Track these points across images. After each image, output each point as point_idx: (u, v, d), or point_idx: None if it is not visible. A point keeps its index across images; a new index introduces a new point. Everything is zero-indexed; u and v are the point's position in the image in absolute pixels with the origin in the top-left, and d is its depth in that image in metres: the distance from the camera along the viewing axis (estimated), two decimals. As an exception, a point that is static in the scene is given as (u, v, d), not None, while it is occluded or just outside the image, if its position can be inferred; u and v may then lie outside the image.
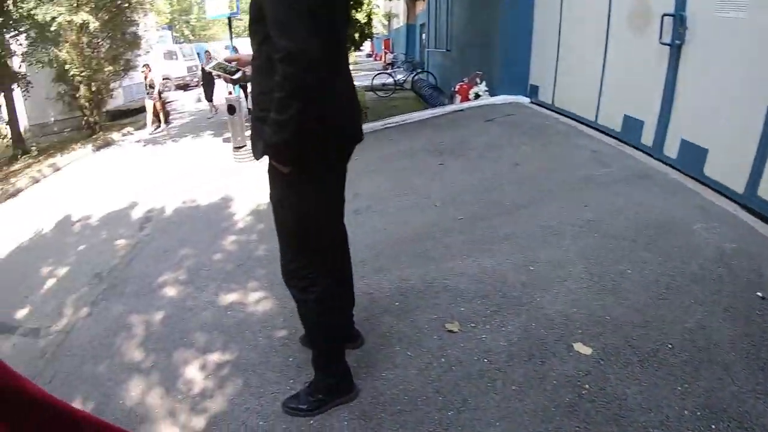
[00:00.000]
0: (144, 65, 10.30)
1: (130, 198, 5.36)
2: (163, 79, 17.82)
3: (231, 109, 5.82)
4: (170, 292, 3.06)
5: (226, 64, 1.77)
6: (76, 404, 2.24)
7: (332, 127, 1.46)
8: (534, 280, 2.43)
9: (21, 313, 3.32)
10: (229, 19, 6.84)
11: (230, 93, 8.82)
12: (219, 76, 1.76)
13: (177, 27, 34.86)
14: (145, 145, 9.14)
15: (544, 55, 6.39)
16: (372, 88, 11.63)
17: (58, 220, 5.10)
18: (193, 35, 37.42)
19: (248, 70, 1.70)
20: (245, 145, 5.92)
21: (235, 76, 1.72)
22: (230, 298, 2.81)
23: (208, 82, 10.98)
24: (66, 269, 3.80)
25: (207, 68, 1.71)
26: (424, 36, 14.99)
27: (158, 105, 10.16)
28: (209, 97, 11.21)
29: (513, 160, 4.27)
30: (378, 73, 12.48)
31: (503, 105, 6.40)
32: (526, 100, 6.76)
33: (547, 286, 2.35)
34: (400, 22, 20.90)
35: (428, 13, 12.97)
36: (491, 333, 2.07)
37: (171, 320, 2.72)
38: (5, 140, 11.80)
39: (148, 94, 10.14)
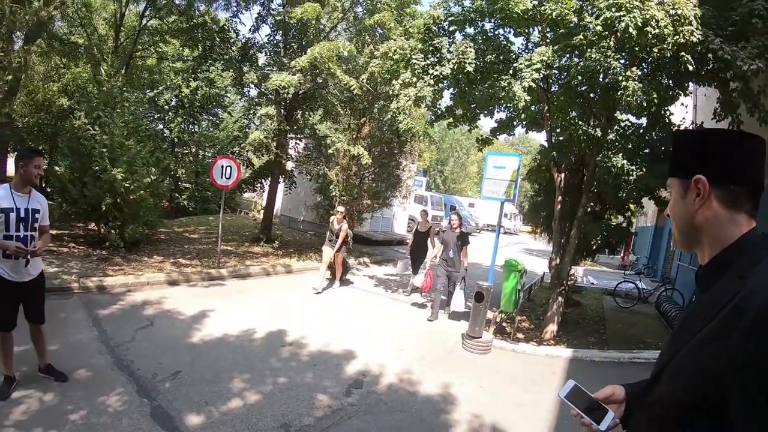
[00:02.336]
0: (339, 210, 8.52)
1: (346, 343, 5.38)
2: (409, 219, 19.40)
3: (479, 297, 5.69)
4: None
5: (591, 398, 1.19)
6: None
7: None
8: None
9: (193, 420, 3.40)
10: (502, 203, 7.26)
11: (436, 258, 8.01)
12: (580, 418, 1.17)
13: (431, 173, 40.06)
14: (376, 285, 9.21)
15: None
16: (613, 293, 10.42)
17: (271, 331, 5.51)
18: (443, 185, 42.44)
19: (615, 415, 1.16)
20: (480, 337, 5.70)
21: (603, 427, 1.12)
22: None
23: (419, 250, 8.62)
24: (257, 397, 3.87)
25: (560, 396, 1.22)
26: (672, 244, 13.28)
27: (338, 259, 8.41)
28: (415, 269, 8.79)
29: None
30: (623, 281, 11.11)
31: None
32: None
33: None
34: (647, 221, 19.01)
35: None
36: None
37: None
38: (256, 221, 14.51)
39: (330, 240, 8.32)
